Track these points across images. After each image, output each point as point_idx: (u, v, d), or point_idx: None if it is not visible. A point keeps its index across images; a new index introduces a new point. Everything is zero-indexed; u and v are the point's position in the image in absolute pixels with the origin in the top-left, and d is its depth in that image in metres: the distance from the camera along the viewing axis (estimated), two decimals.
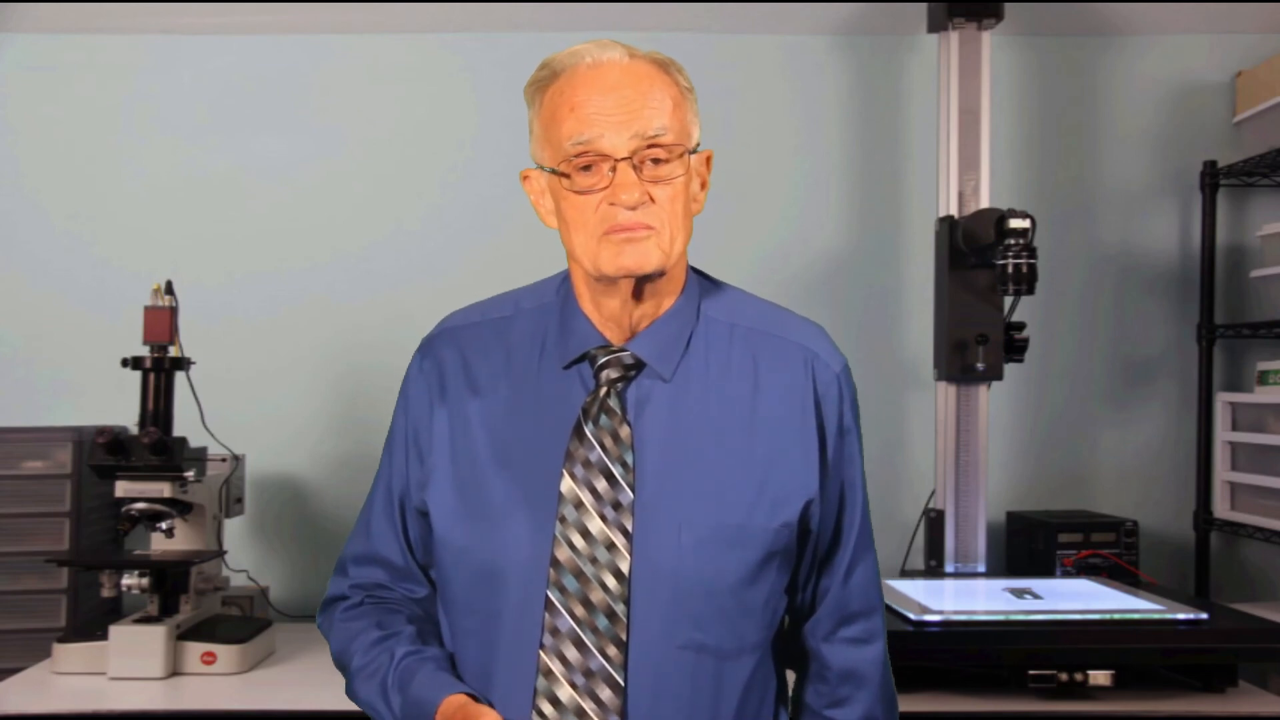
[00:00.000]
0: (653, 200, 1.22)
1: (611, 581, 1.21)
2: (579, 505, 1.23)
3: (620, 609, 1.20)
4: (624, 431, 1.25)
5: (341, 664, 1.35)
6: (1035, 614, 2.13)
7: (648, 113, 1.22)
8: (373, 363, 2.79)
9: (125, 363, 2.37)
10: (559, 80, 1.25)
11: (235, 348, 2.80)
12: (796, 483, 1.27)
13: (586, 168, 1.22)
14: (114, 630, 2.20)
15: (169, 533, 2.32)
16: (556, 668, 1.20)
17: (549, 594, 1.21)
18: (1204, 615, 2.12)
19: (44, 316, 2.85)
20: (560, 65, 1.25)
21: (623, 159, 1.21)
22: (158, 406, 2.35)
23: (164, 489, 2.29)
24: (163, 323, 2.36)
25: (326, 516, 2.82)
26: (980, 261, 2.52)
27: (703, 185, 1.31)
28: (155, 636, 2.19)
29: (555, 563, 1.21)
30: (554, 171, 1.25)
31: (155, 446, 2.26)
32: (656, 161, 1.22)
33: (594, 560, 1.21)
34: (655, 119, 1.22)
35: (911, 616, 2.08)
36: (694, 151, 1.27)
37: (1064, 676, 2.04)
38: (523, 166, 1.32)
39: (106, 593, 2.29)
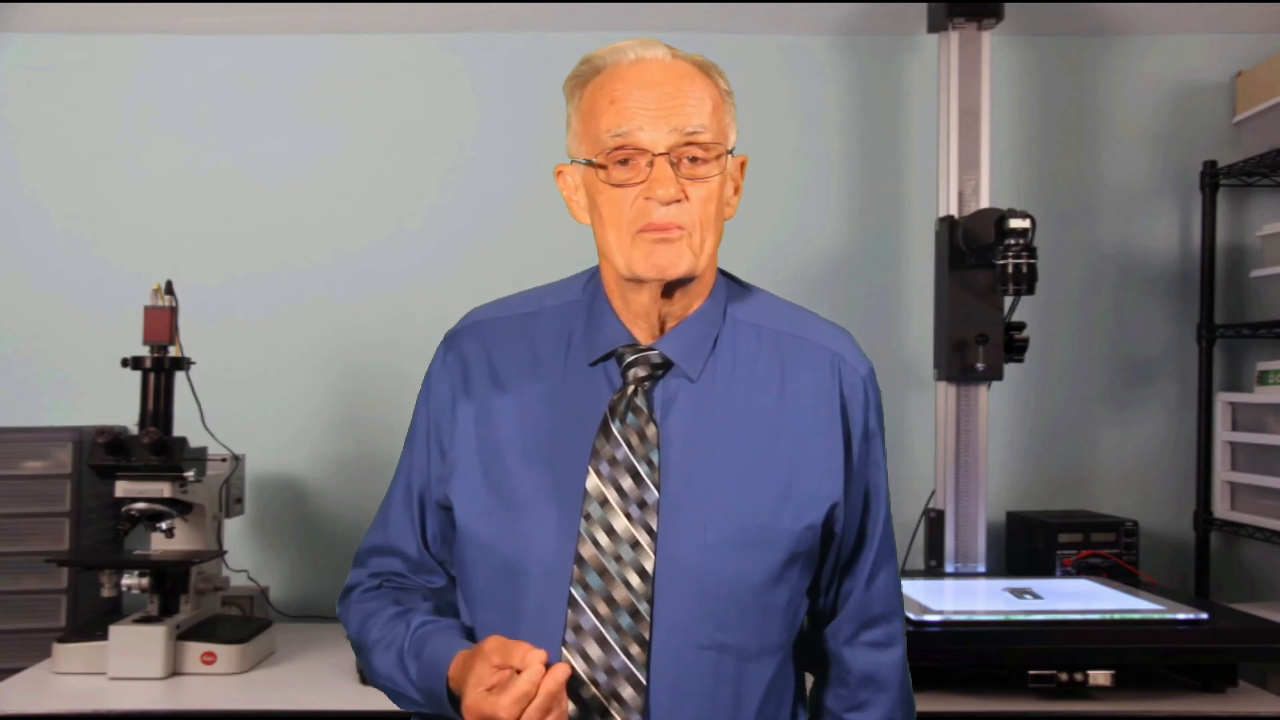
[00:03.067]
0: (687, 198, 1.22)
1: (635, 580, 1.21)
2: (604, 503, 1.23)
3: (644, 608, 1.20)
4: (650, 430, 1.25)
5: (359, 642, 1.35)
6: (1035, 614, 2.13)
7: (688, 109, 1.23)
8: (373, 363, 2.80)
9: (125, 363, 2.37)
10: (600, 75, 1.26)
11: (235, 348, 2.80)
12: (821, 485, 1.27)
13: (624, 162, 1.22)
14: (114, 630, 2.20)
15: (169, 533, 2.32)
16: (579, 665, 1.20)
17: (572, 591, 1.21)
18: (1204, 615, 2.12)
19: (44, 316, 2.85)
20: (602, 61, 1.26)
21: (660, 154, 1.21)
22: (158, 406, 2.35)
23: (164, 489, 2.29)
24: (163, 323, 2.36)
25: (326, 516, 2.82)
26: (980, 261, 2.52)
27: (736, 190, 1.32)
28: (155, 636, 2.19)
29: (579, 560, 1.22)
30: (591, 163, 1.25)
31: (155, 446, 2.26)
32: (694, 160, 1.23)
33: (618, 558, 1.21)
34: (695, 116, 1.23)
35: (911, 616, 2.08)
36: (730, 153, 1.28)
37: (1064, 676, 2.04)
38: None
39: (106, 593, 2.29)
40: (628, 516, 1.22)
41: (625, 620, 1.20)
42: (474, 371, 1.33)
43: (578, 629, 1.20)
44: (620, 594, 1.21)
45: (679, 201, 1.21)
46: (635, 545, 1.21)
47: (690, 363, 1.28)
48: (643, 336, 1.29)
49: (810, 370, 1.30)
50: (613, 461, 1.24)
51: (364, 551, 1.41)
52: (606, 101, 1.23)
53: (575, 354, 1.31)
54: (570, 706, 1.19)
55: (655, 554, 1.21)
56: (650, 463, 1.24)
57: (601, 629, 1.20)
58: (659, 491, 1.23)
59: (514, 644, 1.15)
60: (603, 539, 1.22)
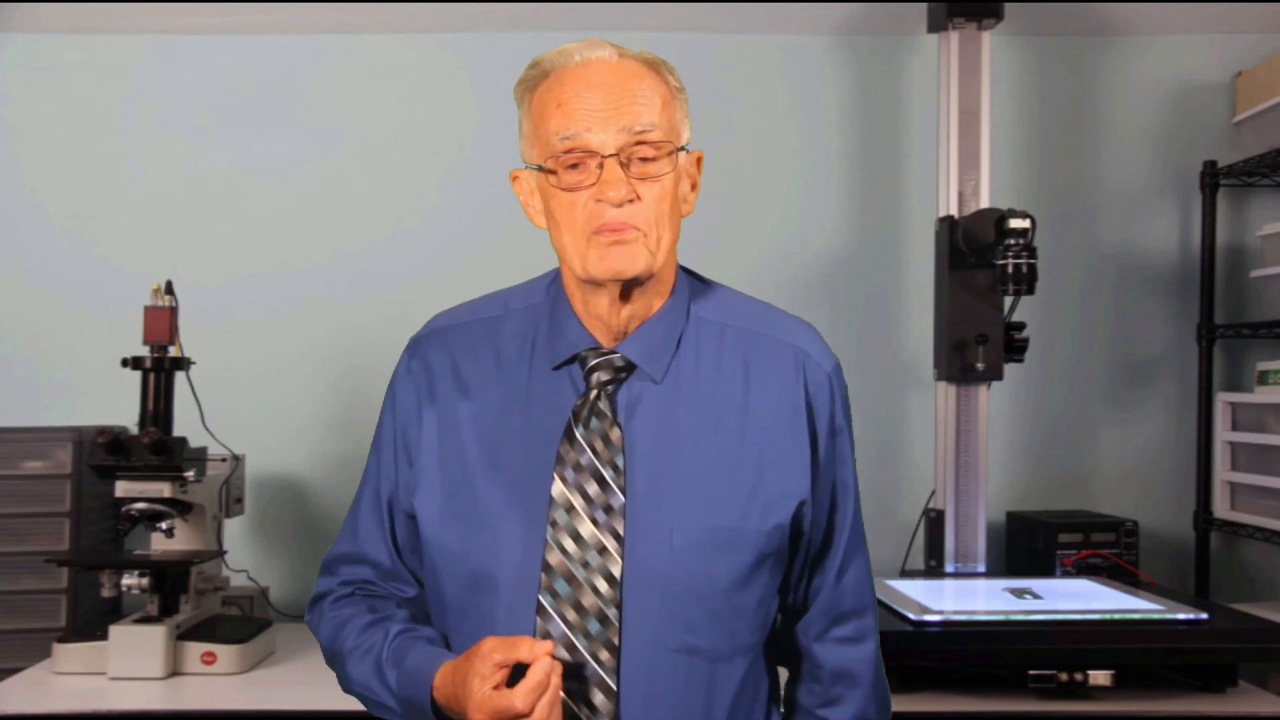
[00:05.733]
0: (639, 198, 1.21)
1: (603, 585, 1.20)
2: (570, 509, 1.22)
3: (612, 613, 1.20)
4: (615, 434, 1.24)
5: (333, 650, 1.33)
6: (1035, 614, 2.13)
7: (636, 108, 1.21)
8: (373, 363, 2.76)
9: (125, 363, 2.37)
10: (548, 79, 1.25)
11: (235, 348, 2.80)
12: (788, 484, 1.27)
13: (574, 165, 1.21)
14: (114, 630, 2.20)
15: (169, 533, 2.32)
16: None
17: (540, 599, 1.20)
18: (1204, 615, 2.12)
19: (44, 316, 2.85)
20: (550, 64, 1.25)
21: (610, 155, 1.20)
22: (158, 406, 2.35)
23: (164, 489, 2.29)
24: (163, 323, 2.36)
25: (326, 516, 2.82)
26: (980, 261, 2.52)
27: (693, 186, 1.31)
28: (155, 636, 2.19)
29: (547, 567, 1.21)
30: (541, 168, 1.24)
31: (155, 446, 2.26)
32: (645, 160, 1.22)
33: (585, 564, 1.20)
34: (643, 115, 1.21)
35: (911, 616, 2.08)
36: (683, 149, 1.27)
37: (1064, 676, 2.04)
38: (519, 166, 1.32)
39: (106, 593, 2.29)
40: (594, 522, 1.21)
41: (594, 626, 1.20)
42: (439, 378, 1.32)
43: (547, 636, 1.19)
44: (588, 600, 1.20)
45: (631, 202, 1.21)
46: (602, 551, 1.21)
47: (653, 364, 1.27)
48: (605, 339, 1.28)
49: (774, 368, 1.29)
50: (577, 467, 1.23)
51: (333, 559, 1.39)
52: (554, 105, 1.22)
53: (539, 358, 1.30)
54: None
55: (622, 559, 1.21)
56: (615, 467, 1.23)
57: (570, 635, 1.19)
58: (625, 496, 1.22)
59: (514, 640, 1.15)
60: (569, 545, 1.21)
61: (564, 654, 1.20)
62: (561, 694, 1.18)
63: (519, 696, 1.11)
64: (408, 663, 1.23)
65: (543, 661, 1.12)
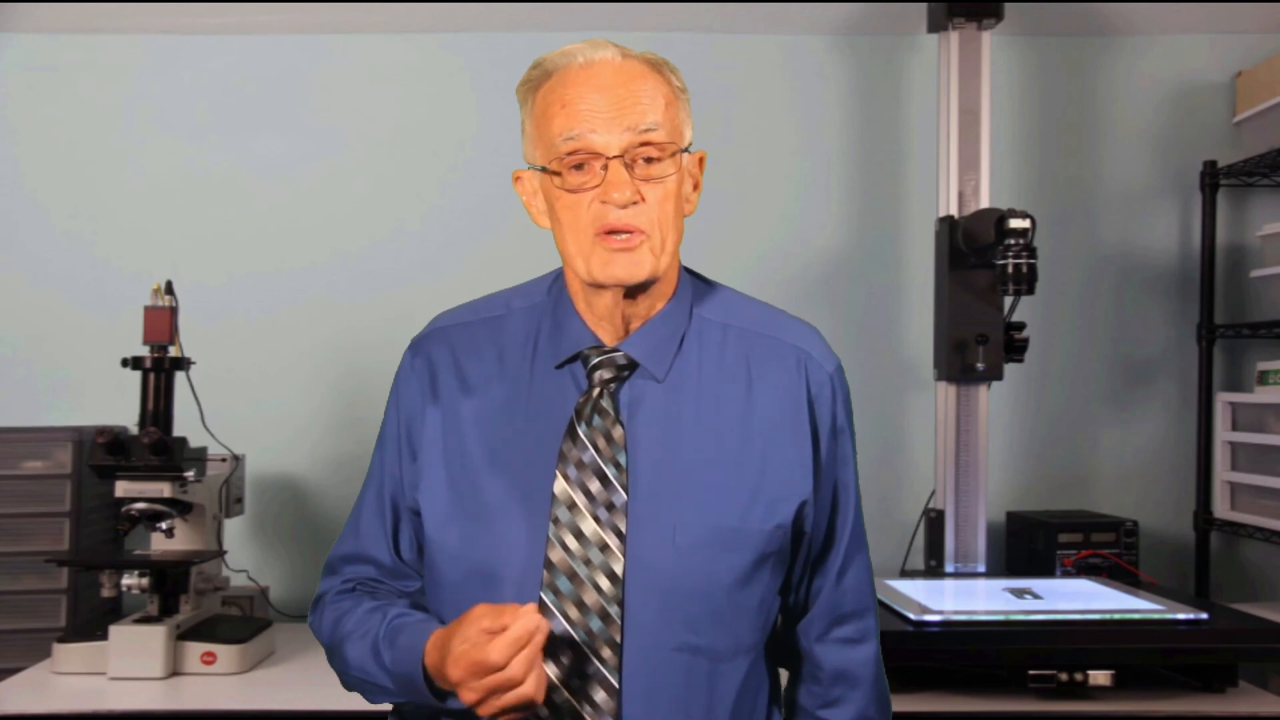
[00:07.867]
0: (644, 200, 1.21)
1: (605, 583, 1.20)
2: (572, 506, 1.22)
3: (614, 611, 1.20)
4: (617, 432, 1.24)
5: (333, 639, 1.32)
6: (1035, 614, 2.13)
7: (640, 109, 1.22)
8: (373, 363, 2.77)
9: (125, 363, 2.37)
10: (551, 79, 1.25)
11: (235, 348, 2.80)
12: (790, 484, 1.27)
13: (578, 166, 1.22)
14: (114, 630, 2.20)
15: (169, 533, 2.32)
16: (551, 670, 1.19)
17: (543, 596, 1.21)
18: (1204, 615, 2.12)
19: (44, 316, 2.85)
20: (552, 65, 1.25)
21: (614, 157, 1.21)
22: (158, 406, 2.35)
23: (164, 489, 2.29)
24: (163, 323, 2.36)
25: (326, 516, 2.82)
26: (980, 261, 2.52)
27: (695, 186, 1.31)
28: (155, 636, 2.19)
29: (549, 564, 1.21)
30: (545, 170, 1.25)
31: (155, 446, 2.26)
32: (649, 160, 1.22)
33: (587, 562, 1.21)
34: (647, 115, 1.22)
35: (911, 616, 2.08)
36: (686, 150, 1.27)
37: (1064, 676, 2.04)
38: (522, 166, 1.32)
39: (106, 593, 2.29)
40: (596, 520, 1.22)
41: (596, 624, 1.20)
42: (442, 377, 1.32)
43: (549, 633, 1.19)
44: (590, 598, 1.20)
45: (636, 204, 1.21)
46: (604, 548, 1.21)
47: (656, 363, 1.27)
48: (608, 338, 1.29)
49: (776, 368, 1.30)
50: (580, 465, 1.23)
51: (336, 560, 1.39)
52: (558, 106, 1.23)
53: (541, 357, 1.30)
54: (543, 711, 1.18)
55: (624, 557, 1.21)
56: (618, 465, 1.23)
57: (573, 633, 1.20)
58: (627, 494, 1.22)
59: (502, 606, 1.13)
60: (571, 543, 1.21)
61: (555, 662, 1.19)
62: (565, 695, 1.19)
63: (495, 649, 1.09)
64: (401, 639, 1.23)
65: (525, 619, 1.10)
